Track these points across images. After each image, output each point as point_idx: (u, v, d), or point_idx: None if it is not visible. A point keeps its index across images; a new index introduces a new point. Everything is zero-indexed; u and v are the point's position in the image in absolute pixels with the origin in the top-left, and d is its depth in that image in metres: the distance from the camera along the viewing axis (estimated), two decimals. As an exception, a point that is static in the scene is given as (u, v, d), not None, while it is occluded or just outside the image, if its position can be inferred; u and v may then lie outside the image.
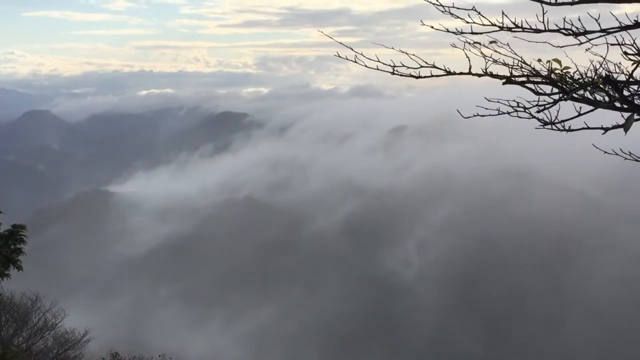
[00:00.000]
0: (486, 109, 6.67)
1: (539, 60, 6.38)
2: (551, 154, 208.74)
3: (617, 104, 6.06)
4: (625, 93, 6.07)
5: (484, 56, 6.43)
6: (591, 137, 6.74)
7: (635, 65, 5.93)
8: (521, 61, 6.46)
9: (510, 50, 6.48)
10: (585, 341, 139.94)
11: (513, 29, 6.38)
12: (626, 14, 5.99)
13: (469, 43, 6.45)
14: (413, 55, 6.55)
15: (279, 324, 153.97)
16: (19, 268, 20.81)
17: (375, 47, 6.91)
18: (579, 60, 6.40)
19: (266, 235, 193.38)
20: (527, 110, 6.41)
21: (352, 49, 6.83)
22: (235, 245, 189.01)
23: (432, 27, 6.57)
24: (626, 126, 5.80)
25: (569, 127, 6.56)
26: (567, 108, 6.47)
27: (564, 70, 6.32)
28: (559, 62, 6.32)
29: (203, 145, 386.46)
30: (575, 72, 6.32)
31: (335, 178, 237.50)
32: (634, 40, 5.91)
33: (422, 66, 6.55)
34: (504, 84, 6.40)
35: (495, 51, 6.47)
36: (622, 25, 6.04)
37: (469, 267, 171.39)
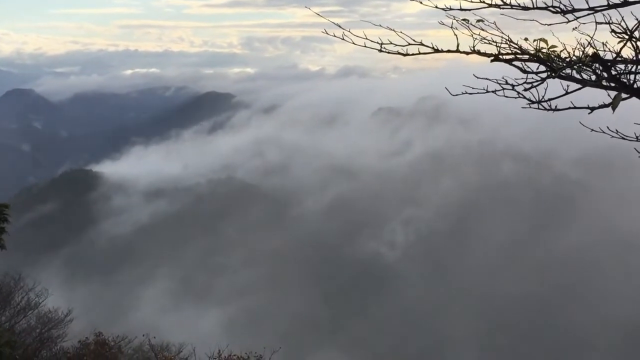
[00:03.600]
0: (473, 87, 6.66)
1: (526, 39, 6.38)
2: (536, 133, 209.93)
3: (605, 83, 6.07)
4: (613, 72, 6.08)
5: (472, 34, 6.40)
6: (578, 116, 6.76)
7: (622, 43, 5.93)
8: (508, 40, 6.45)
9: (497, 29, 6.46)
10: (562, 317, 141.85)
11: (501, 6, 6.36)
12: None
13: (457, 20, 6.42)
14: (401, 32, 6.52)
15: (263, 306, 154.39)
16: (2, 247, 20.67)
17: (361, 27, 6.88)
18: (566, 41, 6.41)
19: (251, 217, 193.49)
20: (514, 89, 6.40)
21: (340, 27, 6.78)
22: (219, 226, 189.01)
23: (420, 2, 6.54)
24: (614, 104, 5.82)
25: (556, 106, 6.56)
26: (555, 87, 6.46)
27: (551, 50, 6.31)
28: (545, 41, 6.31)
29: (189, 126, 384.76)
30: (562, 51, 6.31)
31: (323, 160, 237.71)
32: (622, 18, 5.90)
33: (409, 44, 6.52)
34: (492, 61, 6.39)
35: (483, 29, 6.44)
36: (610, 3, 6.03)
37: (452, 248, 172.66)
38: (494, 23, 6.43)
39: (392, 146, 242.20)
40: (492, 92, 6.45)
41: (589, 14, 6.11)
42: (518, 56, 6.32)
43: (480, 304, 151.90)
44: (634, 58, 6.01)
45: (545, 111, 6.64)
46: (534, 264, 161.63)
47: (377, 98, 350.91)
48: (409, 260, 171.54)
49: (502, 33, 6.43)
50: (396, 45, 6.56)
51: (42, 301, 34.13)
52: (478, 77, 6.42)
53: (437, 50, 6.52)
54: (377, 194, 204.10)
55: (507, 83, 6.37)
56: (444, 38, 7.11)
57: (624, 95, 5.93)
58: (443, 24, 6.54)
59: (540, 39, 6.28)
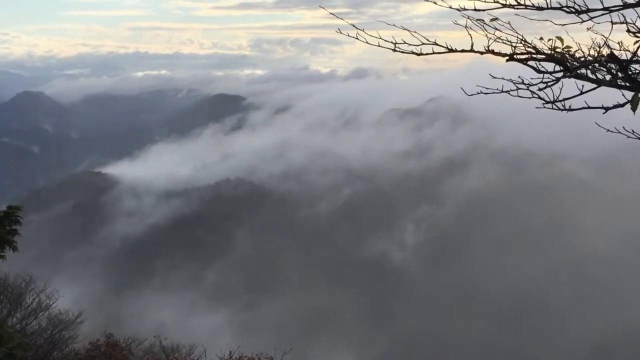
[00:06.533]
0: (487, 88, 6.64)
1: (541, 39, 6.35)
2: (548, 135, 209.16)
3: (620, 82, 6.03)
4: (629, 72, 6.04)
5: (486, 34, 6.38)
6: (592, 117, 6.72)
7: (638, 43, 5.89)
8: (523, 39, 6.43)
9: (511, 28, 6.44)
10: (574, 326, 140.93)
11: (516, 6, 6.34)
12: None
13: (471, 20, 6.40)
14: (415, 32, 6.52)
15: (272, 308, 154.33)
16: (15, 249, 20.71)
17: (373, 27, 6.87)
18: (580, 41, 6.38)
19: (263, 219, 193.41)
20: (529, 89, 6.38)
21: (354, 27, 6.79)
22: (230, 228, 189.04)
23: (434, 2, 6.53)
24: (633, 105, 5.77)
25: (570, 106, 6.53)
26: (569, 87, 6.44)
27: (565, 49, 6.28)
28: (561, 40, 6.28)
29: (202, 128, 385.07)
30: (576, 51, 6.28)
31: (334, 162, 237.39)
32: (638, 17, 5.86)
33: (423, 43, 6.51)
34: (507, 61, 6.37)
35: (497, 29, 6.42)
36: (625, 2, 6.00)
37: (464, 249, 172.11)
38: (509, 23, 6.42)
39: (404, 147, 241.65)
40: (507, 92, 6.43)
41: (603, 14, 6.08)
42: (533, 56, 6.30)
43: (490, 306, 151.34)
44: (650, 58, 5.97)
45: (559, 111, 6.61)
46: (546, 265, 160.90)
47: (388, 99, 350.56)
48: (420, 261, 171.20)
49: (517, 33, 6.42)
50: (410, 45, 6.56)
51: (53, 303, 34.21)
52: (494, 77, 6.41)
53: (451, 50, 6.51)
54: (389, 195, 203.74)
55: (522, 83, 6.34)
56: (453, 39, 7.10)
57: (641, 96, 5.89)
58: (457, 24, 6.52)
59: (556, 37, 6.26)
